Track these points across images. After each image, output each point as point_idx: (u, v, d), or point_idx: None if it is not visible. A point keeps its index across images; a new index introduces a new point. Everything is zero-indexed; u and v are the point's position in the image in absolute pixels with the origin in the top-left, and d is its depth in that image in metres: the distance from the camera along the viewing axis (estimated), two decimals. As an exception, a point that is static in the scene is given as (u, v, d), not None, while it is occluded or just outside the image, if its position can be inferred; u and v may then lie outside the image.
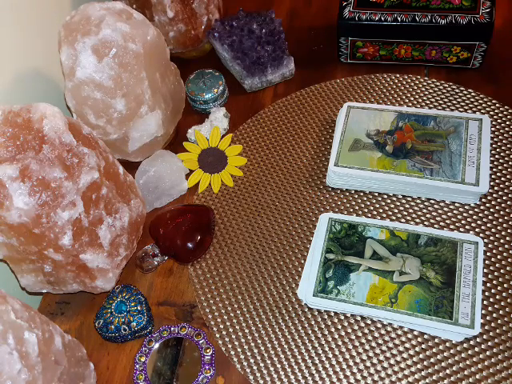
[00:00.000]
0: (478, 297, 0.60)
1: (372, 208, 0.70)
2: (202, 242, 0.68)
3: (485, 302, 0.62)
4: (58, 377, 0.51)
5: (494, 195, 0.69)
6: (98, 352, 0.65)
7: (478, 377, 0.58)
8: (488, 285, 0.63)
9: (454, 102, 0.78)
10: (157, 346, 0.63)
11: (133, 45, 0.66)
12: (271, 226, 0.71)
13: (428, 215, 0.69)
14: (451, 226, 0.68)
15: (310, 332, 0.62)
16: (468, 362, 0.59)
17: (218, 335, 0.64)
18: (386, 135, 0.73)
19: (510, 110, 0.76)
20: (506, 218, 0.67)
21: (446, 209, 0.69)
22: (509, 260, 0.64)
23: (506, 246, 0.65)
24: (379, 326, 0.62)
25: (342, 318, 0.63)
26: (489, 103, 0.77)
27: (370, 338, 0.61)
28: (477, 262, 0.62)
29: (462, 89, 0.79)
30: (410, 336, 0.61)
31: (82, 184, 0.58)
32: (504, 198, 0.69)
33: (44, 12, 0.78)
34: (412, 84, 0.81)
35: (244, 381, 0.61)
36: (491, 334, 0.60)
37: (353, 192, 0.72)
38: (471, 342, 0.60)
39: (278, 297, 0.65)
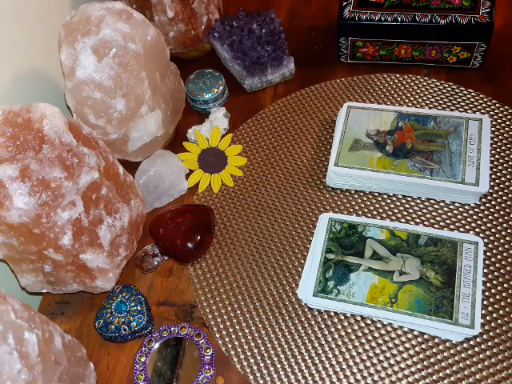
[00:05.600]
0: (478, 297, 0.60)
1: (372, 208, 0.70)
2: (201, 241, 0.68)
3: (485, 302, 0.62)
4: (58, 377, 0.51)
5: (494, 195, 0.69)
6: (98, 352, 0.65)
7: (477, 377, 0.58)
8: (488, 285, 0.63)
9: (454, 102, 0.78)
10: (157, 345, 0.63)
11: (133, 45, 0.66)
12: (271, 225, 0.71)
13: (428, 215, 0.69)
14: (451, 226, 0.68)
15: (310, 332, 0.62)
16: (468, 362, 0.59)
17: (218, 335, 0.64)
18: (386, 135, 0.72)
19: (510, 110, 0.76)
20: (506, 217, 0.67)
21: (446, 209, 0.69)
22: (509, 260, 0.64)
23: (506, 246, 0.65)
24: (379, 325, 0.62)
25: (342, 317, 0.63)
26: (489, 103, 0.77)
27: (370, 337, 0.61)
28: (477, 262, 0.62)
29: (461, 89, 0.79)
30: (410, 336, 0.61)
31: (82, 184, 0.58)
32: (504, 198, 0.69)
33: (44, 12, 0.78)
34: (412, 84, 0.81)
35: (244, 381, 0.61)
36: (491, 333, 0.60)
37: (353, 192, 0.72)
38: (471, 342, 0.60)
39: (278, 297, 0.65)
